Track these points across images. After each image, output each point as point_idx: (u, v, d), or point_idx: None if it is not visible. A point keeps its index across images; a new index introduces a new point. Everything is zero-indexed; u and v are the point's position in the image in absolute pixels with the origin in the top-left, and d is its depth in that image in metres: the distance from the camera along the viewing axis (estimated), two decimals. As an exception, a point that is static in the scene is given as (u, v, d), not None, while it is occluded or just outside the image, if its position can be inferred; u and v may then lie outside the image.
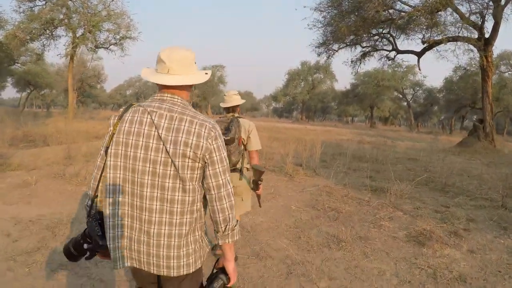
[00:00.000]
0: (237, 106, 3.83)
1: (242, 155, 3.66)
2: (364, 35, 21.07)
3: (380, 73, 47.73)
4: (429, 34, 19.32)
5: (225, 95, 3.90)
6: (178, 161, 1.60)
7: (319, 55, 23.56)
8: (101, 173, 1.73)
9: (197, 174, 1.65)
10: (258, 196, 3.93)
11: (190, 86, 1.76)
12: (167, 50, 1.69)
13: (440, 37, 18.80)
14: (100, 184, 1.76)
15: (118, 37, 24.90)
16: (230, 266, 1.77)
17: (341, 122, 75.74)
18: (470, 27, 17.72)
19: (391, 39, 21.62)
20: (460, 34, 18.41)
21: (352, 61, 23.97)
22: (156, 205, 1.62)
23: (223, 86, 64.78)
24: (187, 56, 1.71)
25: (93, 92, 63.98)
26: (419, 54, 20.50)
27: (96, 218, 1.73)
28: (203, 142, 1.62)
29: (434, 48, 20.12)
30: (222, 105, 3.84)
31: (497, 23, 17.00)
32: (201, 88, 61.95)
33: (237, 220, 1.84)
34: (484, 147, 17.78)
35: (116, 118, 1.72)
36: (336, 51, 22.87)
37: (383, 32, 21.24)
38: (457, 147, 18.80)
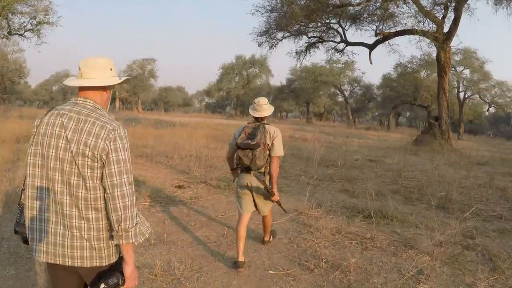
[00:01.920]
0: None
1: (267, 159, 3.78)
2: (312, 24, 19.18)
3: (318, 69, 46.90)
4: (382, 26, 17.87)
5: (255, 103, 3.94)
6: (79, 160, 1.68)
7: (260, 44, 21.43)
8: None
9: (97, 173, 1.70)
10: (279, 203, 3.95)
11: (104, 89, 1.85)
12: (85, 59, 1.82)
13: (394, 30, 17.46)
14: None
15: (34, 22, 21.68)
16: (127, 270, 1.77)
17: (275, 117, 74.64)
18: (430, 21, 16.44)
19: (340, 29, 19.97)
20: (416, 27, 17.12)
21: (297, 52, 22.05)
22: (67, 199, 1.71)
23: (153, 80, 61.20)
24: (101, 62, 1.82)
25: (16, 88, 57.54)
26: (371, 47, 19.10)
27: (22, 208, 1.84)
28: (100, 143, 1.68)
29: (386, 42, 18.77)
30: (253, 114, 3.93)
31: (458, 17, 16.05)
32: (131, 83, 57.90)
33: (136, 223, 1.74)
34: (441, 145, 16.98)
35: (38, 120, 1.82)
36: (280, 40, 20.88)
37: (332, 21, 19.48)
38: (413, 146, 17.67)
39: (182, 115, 59.10)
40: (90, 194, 1.70)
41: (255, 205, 3.90)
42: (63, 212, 1.71)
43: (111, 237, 1.77)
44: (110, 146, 1.69)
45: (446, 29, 16.47)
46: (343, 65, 47.62)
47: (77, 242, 1.72)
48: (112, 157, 1.69)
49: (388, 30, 17.64)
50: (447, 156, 15.33)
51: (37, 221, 1.78)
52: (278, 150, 3.76)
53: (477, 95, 45.09)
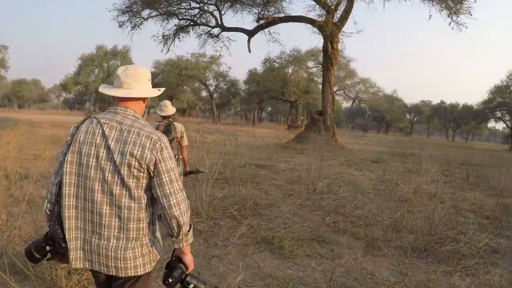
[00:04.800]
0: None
1: (177, 149, 4.94)
2: (184, 4, 16.36)
3: (183, 62, 44.63)
4: (264, 11, 15.92)
5: (161, 105, 4.91)
6: (124, 170, 1.65)
7: (121, 25, 17.72)
8: (60, 178, 1.75)
9: (142, 183, 1.69)
10: (196, 172, 5.58)
11: (143, 100, 1.85)
12: (123, 67, 1.82)
13: (278, 16, 15.69)
14: (58, 189, 1.78)
15: None
16: (187, 258, 1.81)
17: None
18: (321, 8, 14.99)
19: (216, 12, 17.42)
20: (305, 14, 15.70)
21: (163, 36, 18.80)
22: (106, 209, 1.68)
23: (4, 71, 52.00)
24: (142, 72, 1.82)
25: None
26: (251, 33, 17.21)
27: (59, 222, 1.75)
28: (147, 153, 1.66)
29: (267, 30, 17.01)
30: (160, 113, 4.89)
31: (350, 6, 15.32)
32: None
33: (191, 225, 1.77)
34: (328, 142, 15.97)
35: (74, 128, 1.79)
36: (145, 19, 17.45)
37: (208, 2, 16.84)
38: (297, 144, 16.25)
39: (38, 112, 52.38)
40: (135, 203, 1.68)
41: None
42: (100, 222, 1.68)
43: (152, 245, 1.78)
44: (158, 156, 1.68)
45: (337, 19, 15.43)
46: (209, 59, 46.28)
47: (112, 252, 1.69)
48: (162, 167, 1.68)
49: (272, 15, 15.75)
50: (337, 154, 14.38)
51: (73, 230, 1.73)
52: (186, 141, 5.11)
53: (342, 91, 48.80)
